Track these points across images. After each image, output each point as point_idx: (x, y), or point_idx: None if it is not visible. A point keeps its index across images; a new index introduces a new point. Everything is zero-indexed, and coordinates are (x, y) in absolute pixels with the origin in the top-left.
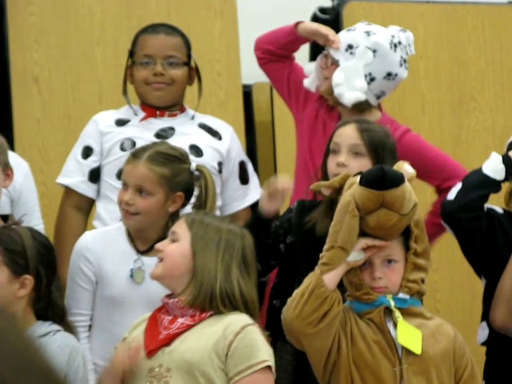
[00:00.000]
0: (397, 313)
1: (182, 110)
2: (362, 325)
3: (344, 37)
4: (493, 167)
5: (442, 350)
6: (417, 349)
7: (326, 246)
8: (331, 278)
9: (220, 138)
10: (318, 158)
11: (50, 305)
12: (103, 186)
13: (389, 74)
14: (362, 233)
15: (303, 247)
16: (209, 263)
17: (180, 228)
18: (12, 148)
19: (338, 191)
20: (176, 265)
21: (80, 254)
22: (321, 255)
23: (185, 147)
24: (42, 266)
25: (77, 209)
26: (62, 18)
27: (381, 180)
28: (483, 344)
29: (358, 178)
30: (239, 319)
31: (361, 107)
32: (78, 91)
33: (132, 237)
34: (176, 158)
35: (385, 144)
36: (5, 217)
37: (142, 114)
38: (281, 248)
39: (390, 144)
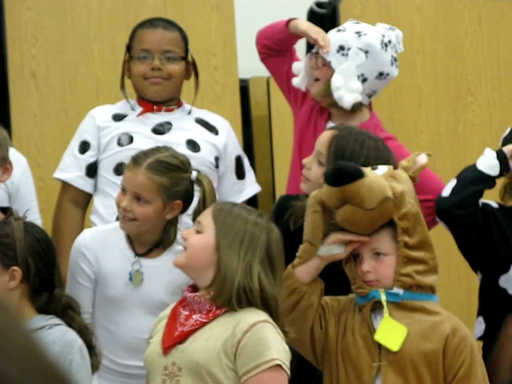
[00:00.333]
0: (385, 308)
1: (179, 104)
2: (358, 318)
3: (334, 38)
4: (487, 162)
5: (427, 349)
6: (394, 346)
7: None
8: (303, 271)
9: (216, 133)
10: (306, 155)
11: (51, 300)
12: (100, 181)
13: (381, 74)
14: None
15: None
16: (232, 259)
17: (206, 219)
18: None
19: None
20: (198, 257)
21: (79, 252)
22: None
23: (182, 142)
24: (32, 258)
25: (75, 204)
26: (59, 13)
27: (335, 176)
28: (479, 338)
29: None
30: (250, 317)
31: (353, 107)
32: (75, 86)
33: (131, 239)
34: (176, 167)
35: (355, 157)
36: (4, 210)
37: (139, 109)
38: None
39: (363, 156)
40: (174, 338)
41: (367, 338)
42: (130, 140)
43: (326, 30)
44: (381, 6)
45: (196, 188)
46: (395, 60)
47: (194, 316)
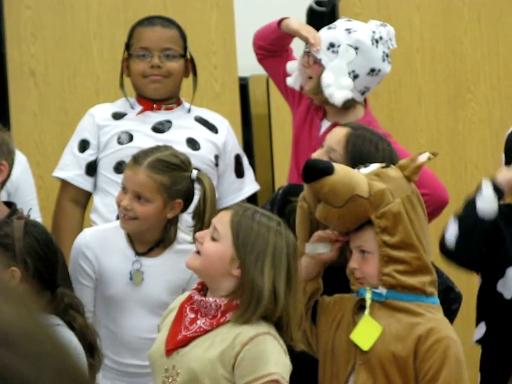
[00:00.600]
0: (367, 307)
1: (179, 103)
2: (352, 315)
3: (325, 36)
4: (487, 202)
5: (397, 351)
6: (365, 346)
7: None
8: None
9: (216, 131)
10: (303, 153)
11: (53, 299)
12: (100, 180)
13: (372, 70)
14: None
15: None
16: (259, 278)
17: (223, 227)
18: None
19: None
20: (213, 266)
21: (80, 252)
22: None
23: (182, 140)
24: (31, 258)
25: (74, 202)
26: (59, 11)
27: (304, 173)
28: (478, 341)
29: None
30: (251, 328)
31: (346, 104)
32: (75, 84)
33: (131, 238)
34: (177, 166)
35: (370, 159)
36: (9, 204)
37: (138, 107)
38: None
39: (379, 159)
40: (177, 342)
41: (349, 337)
42: (130, 138)
43: None
44: (380, 4)
45: (197, 186)
46: (387, 56)
47: (198, 322)
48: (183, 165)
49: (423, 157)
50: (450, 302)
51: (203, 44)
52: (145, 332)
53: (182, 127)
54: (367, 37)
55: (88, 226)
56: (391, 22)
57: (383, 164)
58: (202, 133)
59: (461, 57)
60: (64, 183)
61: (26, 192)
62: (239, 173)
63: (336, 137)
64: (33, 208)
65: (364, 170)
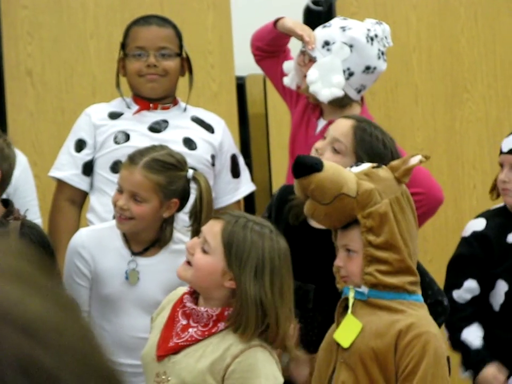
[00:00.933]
0: (350, 306)
1: (175, 102)
2: (337, 316)
3: (320, 34)
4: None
5: (377, 347)
6: (345, 343)
7: None
8: None
9: (212, 131)
10: (299, 152)
11: None
12: (97, 179)
13: (368, 68)
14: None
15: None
16: (255, 293)
17: (213, 240)
18: None
19: None
20: (204, 279)
21: (75, 252)
22: None
23: (179, 140)
24: None
25: (71, 202)
26: (55, 11)
27: (294, 169)
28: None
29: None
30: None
31: (341, 103)
32: (71, 84)
33: (127, 238)
34: (172, 166)
35: (382, 157)
36: (5, 202)
37: (135, 107)
38: None
39: (388, 157)
40: (168, 348)
41: (332, 336)
42: (127, 137)
43: None
44: (376, 3)
45: (193, 186)
46: (383, 53)
47: (190, 330)
48: (179, 164)
49: (414, 159)
50: (436, 315)
51: (200, 44)
52: (141, 332)
53: (178, 127)
54: (361, 34)
55: (85, 226)
56: (387, 21)
57: (374, 164)
58: (199, 133)
59: (458, 56)
60: (61, 183)
61: (26, 192)
62: (235, 173)
63: (342, 128)
64: (33, 209)
65: (355, 169)
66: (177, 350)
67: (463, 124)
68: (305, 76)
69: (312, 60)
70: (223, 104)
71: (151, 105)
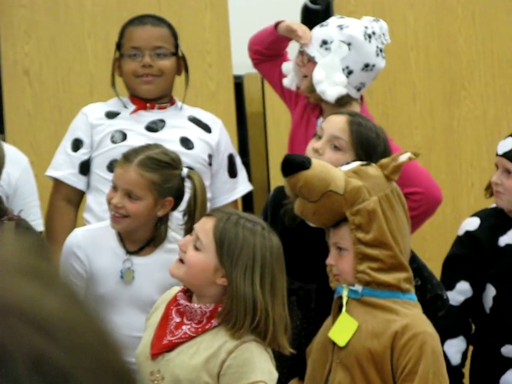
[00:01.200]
0: (344, 305)
1: (172, 102)
2: (332, 316)
3: (317, 33)
4: None
5: (374, 347)
6: (341, 342)
7: None
8: None
9: (209, 131)
10: (298, 151)
11: None
12: (93, 179)
13: (366, 65)
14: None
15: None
16: (248, 291)
17: (205, 237)
18: (3, 141)
19: None
20: (196, 277)
21: (71, 251)
22: None
23: (176, 139)
24: None
25: (67, 202)
26: (53, 10)
27: (282, 167)
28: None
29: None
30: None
31: (342, 101)
32: (69, 83)
33: (122, 237)
34: (167, 164)
35: (375, 147)
36: None
37: (131, 106)
38: None
39: (381, 147)
40: (162, 346)
41: (327, 335)
42: (124, 137)
43: None
44: (374, 1)
45: (187, 185)
46: (381, 51)
47: (184, 327)
48: (173, 162)
49: (403, 157)
50: (436, 309)
51: (198, 43)
52: (136, 331)
53: (175, 126)
54: (359, 32)
55: (82, 225)
56: (385, 20)
57: (364, 162)
58: (196, 132)
59: (456, 55)
60: (57, 182)
61: (26, 193)
62: (232, 172)
63: (338, 125)
64: (33, 209)
65: (344, 168)
66: (171, 347)
67: (461, 122)
68: (304, 76)
69: (311, 60)
70: (221, 103)
71: (148, 104)
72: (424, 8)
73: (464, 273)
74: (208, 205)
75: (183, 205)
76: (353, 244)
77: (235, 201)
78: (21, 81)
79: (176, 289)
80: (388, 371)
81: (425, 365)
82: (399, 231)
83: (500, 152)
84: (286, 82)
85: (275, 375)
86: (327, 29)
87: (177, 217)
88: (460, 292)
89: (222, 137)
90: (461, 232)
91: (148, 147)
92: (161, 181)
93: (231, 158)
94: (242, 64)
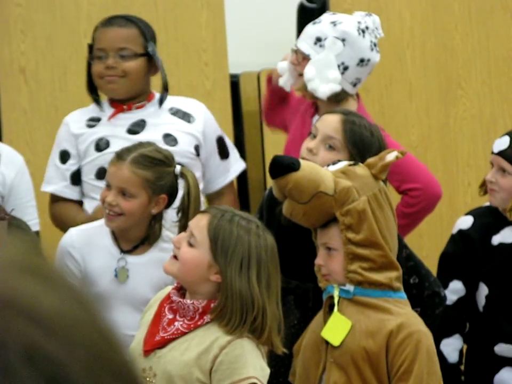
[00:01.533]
0: (335, 304)
1: (149, 98)
2: (323, 315)
3: (311, 31)
4: None
5: (369, 346)
6: (336, 341)
7: None
8: None
9: (192, 120)
10: (295, 151)
11: None
12: (85, 187)
13: (362, 60)
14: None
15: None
16: (243, 288)
17: (200, 234)
18: None
19: None
20: (190, 273)
21: (65, 251)
22: None
23: (159, 137)
24: None
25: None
26: (49, 9)
27: (271, 169)
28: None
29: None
30: None
31: (338, 98)
32: (65, 82)
33: (116, 236)
34: (160, 162)
35: (370, 145)
36: None
37: (110, 109)
38: None
39: (376, 145)
40: (154, 343)
41: (319, 334)
42: (107, 144)
43: None
44: None
45: (180, 183)
46: (375, 45)
47: (176, 323)
48: (166, 160)
49: (390, 156)
50: (434, 307)
51: (194, 41)
52: (131, 329)
53: (157, 125)
54: (352, 27)
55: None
56: (381, 17)
57: (351, 162)
58: (179, 126)
59: (452, 53)
60: (53, 196)
61: (22, 194)
62: (224, 154)
63: (332, 124)
64: (29, 210)
65: (332, 168)
66: (163, 344)
67: (457, 121)
68: (300, 75)
69: (306, 58)
70: (217, 101)
71: (124, 106)
72: (420, 5)
73: (457, 272)
74: (202, 198)
75: (177, 202)
76: (343, 244)
77: (231, 183)
78: (17, 80)
79: (170, 288)
80: (383, 370)
81: (420, 364)
82: (388, 230)
83: (496, 150)
84: (281, 82)
85: (267, 371)
86: (320, 26)
87: (171, 214)
88: (453, 291)
89: (206, 123)
90: (454, 230)
91: (140, 145)
92: (154, 179)
93: (220, 140)
94: (239, 63)
